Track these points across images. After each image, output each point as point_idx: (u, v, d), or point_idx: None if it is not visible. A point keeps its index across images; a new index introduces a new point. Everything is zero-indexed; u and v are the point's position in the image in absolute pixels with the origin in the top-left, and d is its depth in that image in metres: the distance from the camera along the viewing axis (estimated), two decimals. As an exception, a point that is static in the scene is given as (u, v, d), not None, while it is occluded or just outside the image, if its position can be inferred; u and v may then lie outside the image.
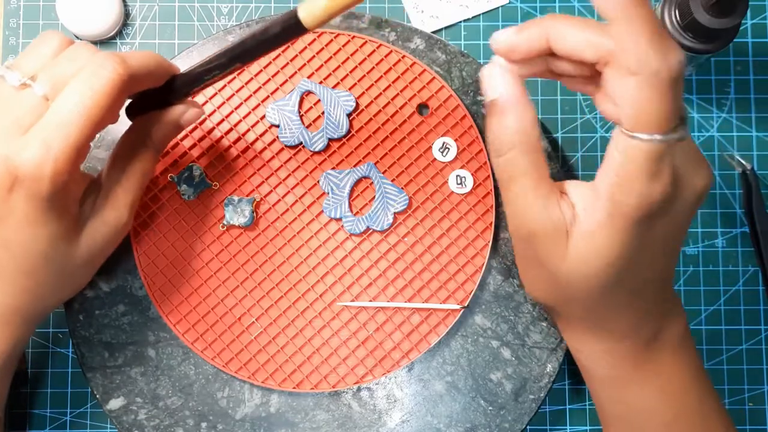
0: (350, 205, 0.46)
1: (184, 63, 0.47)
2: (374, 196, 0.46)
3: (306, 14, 0.32)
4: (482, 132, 0.47)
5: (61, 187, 0.33)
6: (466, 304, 0.46)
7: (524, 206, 0.34)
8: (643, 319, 0.37)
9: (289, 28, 0.33)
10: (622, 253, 0.32)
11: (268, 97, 0.47)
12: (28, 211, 0.34)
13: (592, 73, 0.33)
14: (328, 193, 0.46)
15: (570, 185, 0.34)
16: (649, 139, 0.29)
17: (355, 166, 0.46)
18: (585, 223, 0.33)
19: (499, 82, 0.33)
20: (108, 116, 0.34)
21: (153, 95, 0.39)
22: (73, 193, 0.37)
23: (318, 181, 0.46)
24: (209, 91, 0.47)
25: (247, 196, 0.46)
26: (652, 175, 0.30)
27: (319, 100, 0.46)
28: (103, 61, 0.33)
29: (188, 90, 0.39)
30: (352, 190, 0.46)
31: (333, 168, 0.46)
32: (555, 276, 0.35)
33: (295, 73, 0.47)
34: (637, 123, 0.30)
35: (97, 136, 0.48)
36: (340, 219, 0.46)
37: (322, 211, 0.46)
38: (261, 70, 0.47)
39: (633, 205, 0.31)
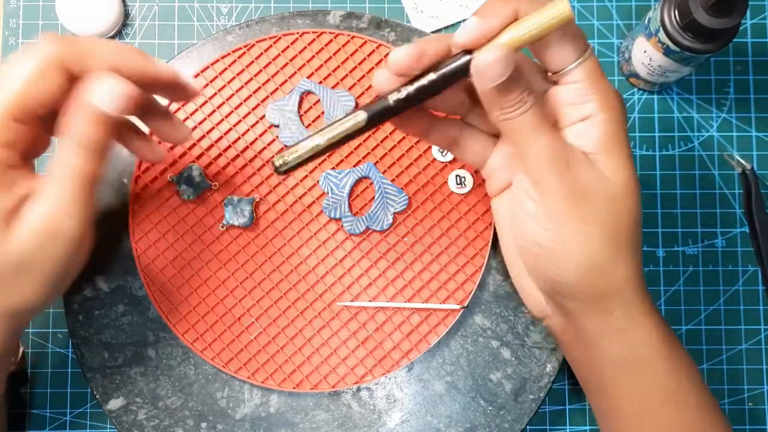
0: (350, 206, 0.46)
1: (184, 63, 0.47)
2: (374, 197, 0.46)
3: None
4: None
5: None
6: (465, 304, 0.46)
7: (558, 144, 0.34)
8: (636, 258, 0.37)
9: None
10: (631, 156, 0.35)
11: (267, 97, 0.47)
12: None
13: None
14: (328, 193, 0.46)
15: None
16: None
17: (355, 165, 0.46)
18: (597, 144, 0.35)
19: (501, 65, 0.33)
20: (39, 92, 0.33)
21: None
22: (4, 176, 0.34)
23: (318, 181, 0.46)
24: (208, 90, 0.47)
25: (247, 196, 0.46)
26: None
27: (318, 100, 0.46)
28: (42, 42, 0.33)
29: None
30: (351, 190, 0.46)
31: (333, 168, 0.46)
32: (608, 206, 0.35)
33: (295, 73, 0.47)
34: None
35: None
36: (339, 219, 0.46)
37: (322, 211, 0.46)
38: (261, 70, 0.47)
39: (617, 101, 0.35)
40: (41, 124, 0.35)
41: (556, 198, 0.34)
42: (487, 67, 0.33)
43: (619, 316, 0.36)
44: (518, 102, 0.34)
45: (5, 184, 0.34)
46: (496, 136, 0.39)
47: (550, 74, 0.36)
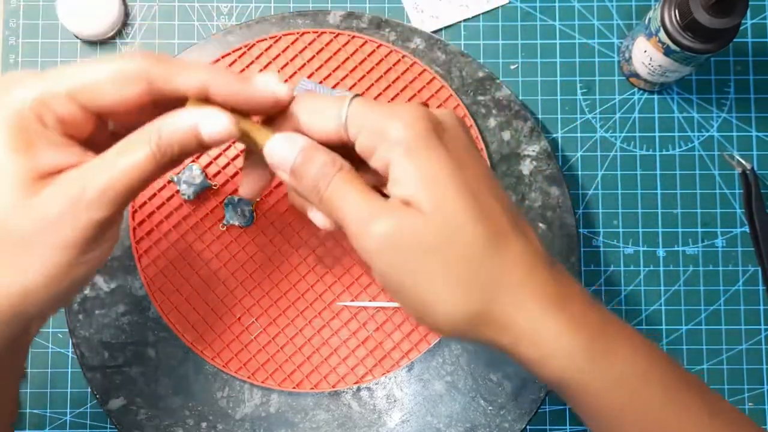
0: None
1: (184, 63, 0.47)
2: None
3: None
4: (482, 132, 0.47)
5: (37, 115, 0.29)
6: (466, 304, 0.45)
7: (370, 209, 0.30)
8: (561, 278, 0.32)
9: None
10: (454, 175, 0.30)
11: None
12: None
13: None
14: None
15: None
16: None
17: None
18: (407, 187, 0.30)
19: (287, 148, 0.31)
20: (111, 90, 0.30)
21: None
22: (46, 136, 0.30)
23: None
24: (209, 91, 0.47)
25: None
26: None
27: (319, 100, 0.46)
28: (140, 51, 0.31)
29: None
30: None
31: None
32: (443, 255, 0.30)
33: (295, 73, 0.47)
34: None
35: None
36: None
37: (322, 211, 0.46)
38: (261, 70, 0.47)
39: (399, 128, 0.30)
40: (100, 126, 0.32)
41: (395, 270, 0.30)
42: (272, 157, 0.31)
43: (524, 341, 0.30)
44: (315, 183, 0.30)
45: (40, 146, 0.30)
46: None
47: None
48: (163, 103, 0.31)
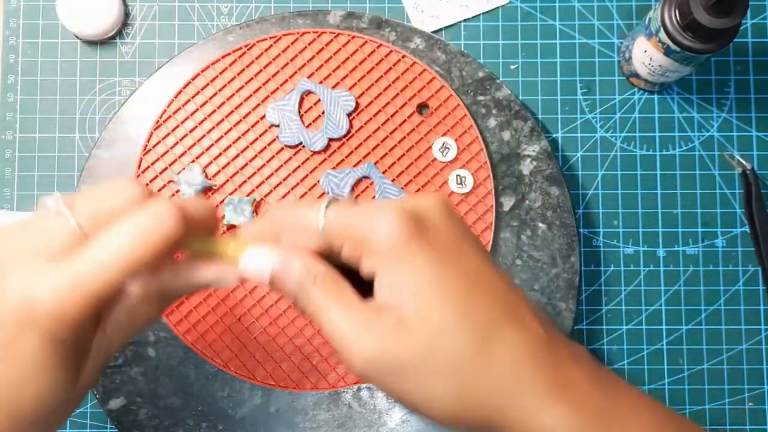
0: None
1: (184, 62, 0.47)
2: (374, 196, 0.46)
3: None
4: (482, 132, 0.47)
5: (81, 332, 0.29)
6: (466, 304, 0.45)
7: (350, 324, 0.29)
8: (558, 355, 0.30)
9: None
10: (435, 277, 0.29)
11: (268, 96, 0.47)
12: (37, 354, 0.28)
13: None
14: (328, 193, 0.46)
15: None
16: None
17: (355, 165, 0.46)
18: (390, 297, 0.29)
19: (260, 263, 0.30)
20: (146, 268, 0.29)
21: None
22: (90, 337, 0.30)
23: (318, 181, 0.46)
24: (209, 90, 0.47)
25: (247, 196, 0.46)
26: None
27: (319, 100, 0.46)
28: (164, 210, 0.28)
29: None
30: (352, 190, 0.46)
31: (333, 168, 0.46)
32: (428, 368, 0.29)
33: (295, 72, 0.47)
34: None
35: (98, 136, 0.48)
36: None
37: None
38: (261, 70, 0.47)
39: (379, 234, 0.29)
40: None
41: (386, 380, 0.29)
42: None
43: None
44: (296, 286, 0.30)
45: (84, 354, 0.30)
46: None
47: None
48: None
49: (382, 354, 0.28)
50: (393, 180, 0.46)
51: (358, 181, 0.46)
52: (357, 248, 0.29)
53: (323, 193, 0.46)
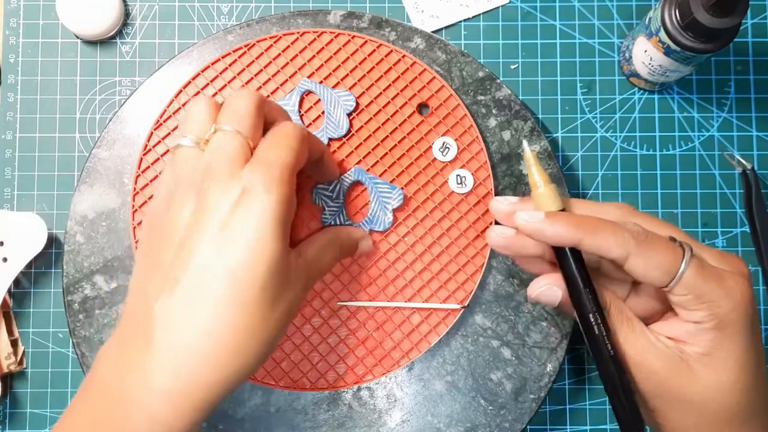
0: (348, 212, 0.46)
1: (184, 62, 0.47)
2: (367, 203, 0.46)
3: None
4: (482, 132, 0.47)
5: (287, 203, 0.33)
6: (466, 304, 0.46)
7: (632, 349, 0.35)
8: None
9: None
10: (743, 355, 0.34)
11: (268, 96, 0.47)
12: (258, 225, 0.32)
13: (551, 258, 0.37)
14: (324, 207, 0.45)
15: (661, 324, 0.36)
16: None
17: (356, 164, 0.46)
18: (697, 345, 0.34)
19: (552, 294, 0.37)
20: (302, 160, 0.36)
21: None
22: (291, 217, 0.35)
23: (311, 195, 0.45)
24: (209, 90, 0.47)
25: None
26: (712, 278, 0.33)
27: (319, 100, 0.46)
28: (293, 125, 0.36)
29: None
30: (346, 197, 0.46)
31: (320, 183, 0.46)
32: (695, 405, 0.35)
33: (296, 72, 0.47)
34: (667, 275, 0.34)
35: (98, 135, 0.48)
36: (340, 218, 0.46)
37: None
38: (261, 70, 0.47)
39: (728, 307, 0.33)
40: None
41: (650, 397, 0.35)
42: (539, 296, 0.37)
43: None
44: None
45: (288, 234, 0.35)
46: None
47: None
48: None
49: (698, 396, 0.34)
50: (392, 180, 0.46)
51: (351, 187, 0.46)
52: (697, 303, 0.33)
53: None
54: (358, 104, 0.46)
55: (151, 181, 0.46)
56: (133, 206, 0.46)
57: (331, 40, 0.47)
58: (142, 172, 0.46)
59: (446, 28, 0.51)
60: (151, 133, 0.46)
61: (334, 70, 0.47)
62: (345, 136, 0.46)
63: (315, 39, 0.47)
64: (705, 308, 0.33)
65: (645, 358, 0.34)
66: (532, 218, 0.35)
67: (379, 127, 0.46)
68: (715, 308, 0.33)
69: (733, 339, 0.34)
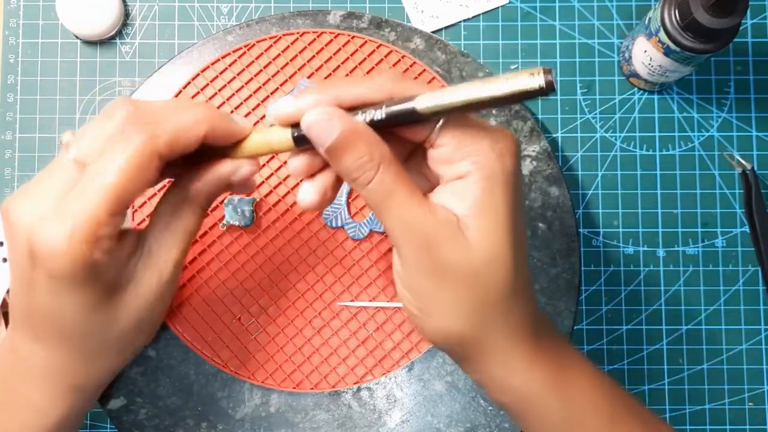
0: (349, 211, 0.46)
1: (184, 63, 0.47)
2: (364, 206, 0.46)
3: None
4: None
5: (82, 261, 0.31)
6: (466, 304, 0.45)
7: (411, 215, 0.31)
8: (539, 314, 0.35)
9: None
10: (511, 215, 0.31)
11: (268, 97, 0.47)
12: (50, 285, 0.32)
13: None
14: (330, 224, 0.45)
15: (431, 195, 0.33)
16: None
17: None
18: (464, 202, 0.31)
19: (329, 125, 0.31)
20: (138, 185, 0.31)
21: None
22: (105, 260, 0.32)
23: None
24: (209, 90, 0.47)
25: (247, 196, 0.46)
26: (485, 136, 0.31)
27: (319, 100, 0.46)
28: (133, 130, 0.31)
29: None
30: (348, 195, 0.46)
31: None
32: (469, 279, 0.32)
33: (295, 73, 0.47)
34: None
35: None
36: (342, 227, 0.46)
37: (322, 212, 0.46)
38: (261, 70, 0.47)
39: (492, 156, 0.31)
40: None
41: (414, 272, 0.32)
42: (310, 128, 0.31)
43: (496, 371, 0.33)
44: (357, 170, 0.31)
45: (107, 276, 0.34)
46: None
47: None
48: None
49: (441, 251, 0.31)
50: (393, 180, 0.46)
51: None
52: (460, 153, 0.31)
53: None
54: (357, 104, 0.46)
55: (151, 181, 0.46)
56: (133, 207, 0.46)
57: (331, 40, 0.47)
58: (142, 172, 0.46)
59: (446, 28, 0.51)
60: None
61: (333, 71, 0.47)
62: (345, 136, 0.46)
63: (315, 39, 0.47)
64: (468, 156, 0.31)
65: (424, 226, 0.31)
66: (283, 104, 0.32)
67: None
68: (479, 155, 0.31)
69: (501, 195, 0.31)
